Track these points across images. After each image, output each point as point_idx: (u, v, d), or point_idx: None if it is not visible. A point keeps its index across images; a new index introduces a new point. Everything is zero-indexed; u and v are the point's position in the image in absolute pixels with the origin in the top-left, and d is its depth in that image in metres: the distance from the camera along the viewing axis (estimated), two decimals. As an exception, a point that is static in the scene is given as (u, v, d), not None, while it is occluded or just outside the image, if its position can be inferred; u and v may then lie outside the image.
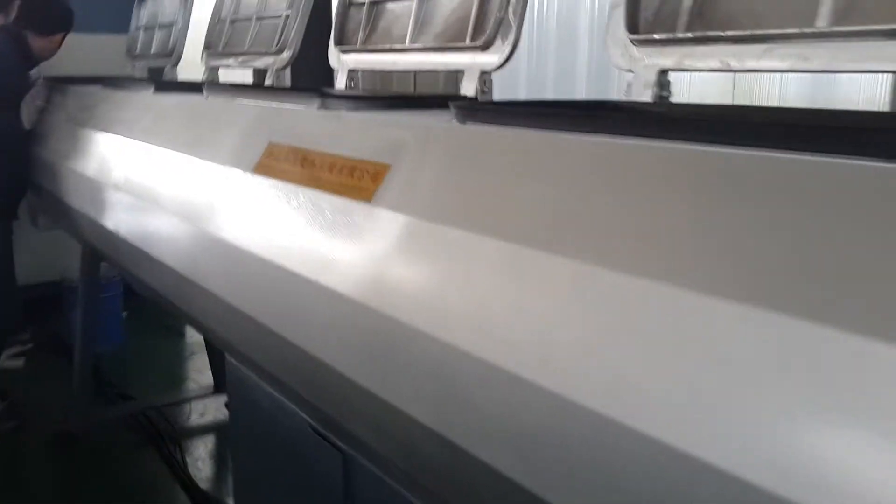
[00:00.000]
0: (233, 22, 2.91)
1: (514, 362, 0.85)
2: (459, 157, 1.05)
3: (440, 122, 1.16)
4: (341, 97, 1.53)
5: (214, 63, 2.94)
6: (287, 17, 2.51)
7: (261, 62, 2.61)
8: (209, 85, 2.04)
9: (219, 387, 3.68)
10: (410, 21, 1.91)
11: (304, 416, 1.60)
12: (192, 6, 3.32)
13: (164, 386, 4.03)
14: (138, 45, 3.81)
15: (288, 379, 1.53)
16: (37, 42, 3.19)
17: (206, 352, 3.77)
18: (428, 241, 1.00)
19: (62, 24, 3.26)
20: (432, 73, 4.00)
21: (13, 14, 3.71)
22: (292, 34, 2.47)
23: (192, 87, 2.28)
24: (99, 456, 3.31)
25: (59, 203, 2.95)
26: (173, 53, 3.37)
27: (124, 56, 3.91)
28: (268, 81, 2.53)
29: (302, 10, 2.45)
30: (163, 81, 2.73)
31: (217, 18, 3.00)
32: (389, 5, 2.09)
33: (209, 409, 3.66)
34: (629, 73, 1.34)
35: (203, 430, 3.57)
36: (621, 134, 0.94)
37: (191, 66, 3.69)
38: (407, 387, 1.00)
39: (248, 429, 1.86)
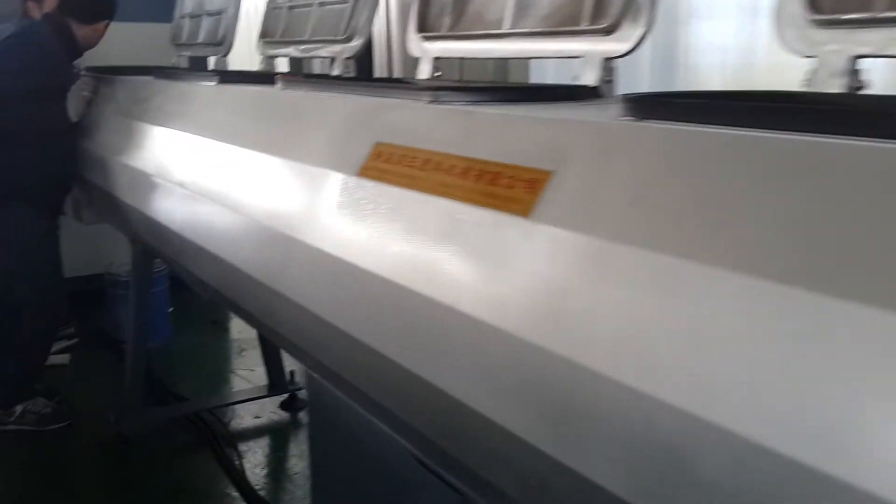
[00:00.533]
0: (291, 8, 2.74)
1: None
2: (651, 162, 0.86)
3: (609, 120, 0.98)
4: (456, 89, 1.36)
5: (272, 52, 2.78)
6: (356, 0, 2.33)
7: (326, 51, 2.44)
8: (284, 77, 1.87)
9: (274, 387, 3.55)
10: (510, 4, 1.73)
11: (406, 445, 1.44)
12: None
13: (216, 384, 3.92)
14: (184, 34, 3.65)
15: (390, 404, 1.37)
16: (80, 31, 3.07)
17: (259, 349, 3.64)
18: (615, 267, 0.83)
19: (105, 11, 3.14)
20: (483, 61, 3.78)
21: (54, 2, 3.58)
22: (363, 19, 2.29)
23: (261, 79, 2.12)
24: (152, 458, 3.20)
25: (109, 198, 2.81)
26: (223, 42, 3.21)
27: (167, 45, 3.75)
28: (335, 72, 2.36)
29: (373, -8, 2.28)
30: (227, 72, 2.57)
31: (273, 4, 2.83)
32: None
33: (264, 411, 3.54)
34: (812, 60, 1.14)
35: (259, 433, 3.45)
36: (836, 133, 0.76)
37: (238, 55, 3.54)
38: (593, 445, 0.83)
39: (334, 455, 1.71)
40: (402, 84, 1.67)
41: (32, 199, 3.03)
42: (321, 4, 2.53)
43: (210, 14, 3.37)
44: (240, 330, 4.44)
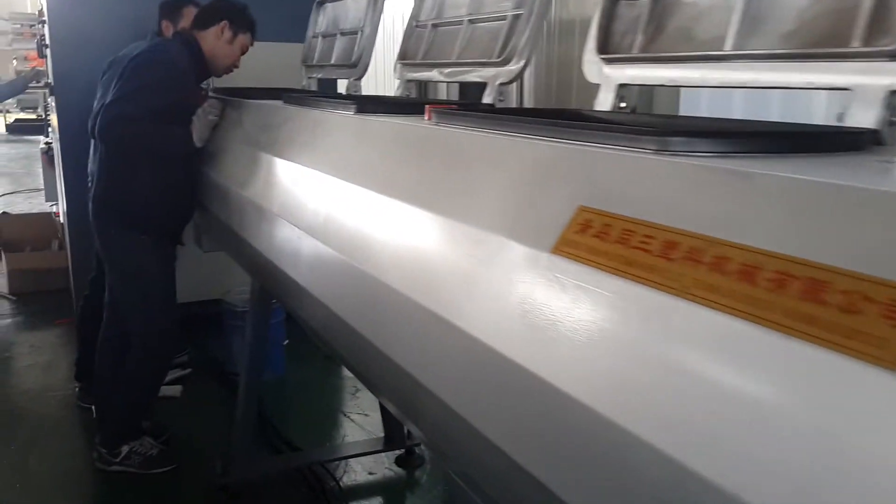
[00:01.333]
0: (436, 26, 2.43)
1: None
2: None
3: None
4: (692, 133, 0.96)
5: (413, 75, 2.47)
6: (516, 17, 1.99)
7: (476, 74, 2.10)
8: (436, 108, 1.53)
9: (390, 441, 3.23)
10: (734, 19, 1.32)
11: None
12: (381, 9, 2.88)
13: (327, 429, 3.64)
14: (315, 55, 3.43)
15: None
16: (205, 42, 2.86)
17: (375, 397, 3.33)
18: None
19: (224, 12, 2.92)
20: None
21: (182, 21, 3.42)
22: (524, 39, 1.94)
23: (405, 108, 1.80)
24: (259, 512, 2.94)
25: (227, 229, 2.58)
26: (358, 64, 2.94)
27: (296, 66, 3.54)
28: (487, 99, 2.02)
29: (537, 8, 1.91)
30: (366, 99, 2.29)
31: (415, 23, 2.54)
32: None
33: (379, 466, 3.22)
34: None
35: (372, 491, 3.14)
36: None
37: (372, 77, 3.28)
38: None
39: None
40: (602, 123, 1.29)
41: (151, 226, 2.85)
42: (472, 21, 2.22)
43: (344, 33, 3.12)
44: (355, 368, 4.18)
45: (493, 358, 1.00)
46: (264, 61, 3.76)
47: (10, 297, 5.31)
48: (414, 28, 2.53)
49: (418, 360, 1.26)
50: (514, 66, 1.95)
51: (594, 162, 1.01)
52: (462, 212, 1.20)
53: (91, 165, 3.47)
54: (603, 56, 1.66)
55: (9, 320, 4.95)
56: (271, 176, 2.14)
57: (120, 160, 2.80)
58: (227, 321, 3.98)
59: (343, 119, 1.88)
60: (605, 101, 1.63)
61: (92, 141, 3.42)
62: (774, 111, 3.63)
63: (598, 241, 0.89)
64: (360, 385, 3.98)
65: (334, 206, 1.66)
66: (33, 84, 6.91)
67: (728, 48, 1.35)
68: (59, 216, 6.03)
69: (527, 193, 1.07)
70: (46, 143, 7.69)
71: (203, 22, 2.87)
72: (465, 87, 3.94)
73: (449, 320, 1.13)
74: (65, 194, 4.22)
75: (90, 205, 2.92)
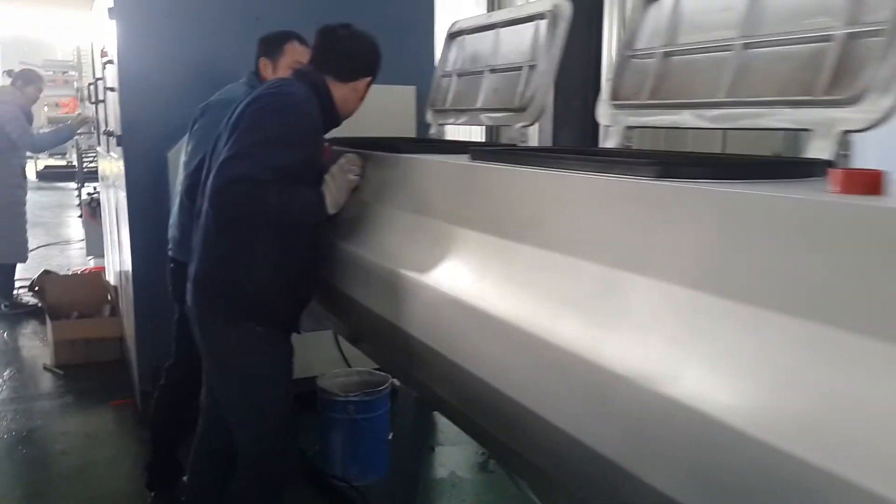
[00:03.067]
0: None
1: None
2: None
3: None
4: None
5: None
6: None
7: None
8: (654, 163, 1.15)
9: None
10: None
11: None
12: (563, 40, 2.26)
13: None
14: (448, 97, 2.83)
15: None
16: (338, 91, 2.28)
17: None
18: None
19: (368, 65, 2.34)
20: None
21: (283, 58, 2.88)
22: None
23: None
24: None
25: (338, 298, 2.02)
26: (528, 107, 2.34)
27: (400, 112, 2.97)
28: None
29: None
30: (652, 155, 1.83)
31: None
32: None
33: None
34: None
35: None
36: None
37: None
38: None
39: None
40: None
41: (267, 314, 2.24)
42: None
43: (497, 70, 2.52)
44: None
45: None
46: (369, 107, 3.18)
47: (57, 370, 4.70)
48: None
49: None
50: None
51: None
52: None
53: (172, 230, 2.90)
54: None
55: (57, 401, 4.28)
56: (466, 254, 1.61)
57: (233, 232, 2.19)
58: (325, 413, 3.31)
59: (625, 186, 1.27)
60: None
61: (177, 200, 2.85)
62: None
63: None
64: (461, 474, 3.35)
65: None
66: (81, 131, 6.40)
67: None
68: (103, 273, 5.45)
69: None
70: (89, 195, 7.18)
71: (342, 73, 2.29)
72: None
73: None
74: (131, 254, 3.63)
75: (190, 286, 2.31)
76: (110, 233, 4.89)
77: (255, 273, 2.19)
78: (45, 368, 4.75)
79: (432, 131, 2.88)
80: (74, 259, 7.85)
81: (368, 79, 2.34)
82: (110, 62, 3.66)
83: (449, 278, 1.66)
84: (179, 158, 2.90)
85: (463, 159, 1.83)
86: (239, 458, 2.30)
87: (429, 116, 2.92)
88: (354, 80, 2.30)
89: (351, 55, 2.30)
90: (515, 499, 2.86)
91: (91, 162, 8.27)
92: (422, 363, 1.84)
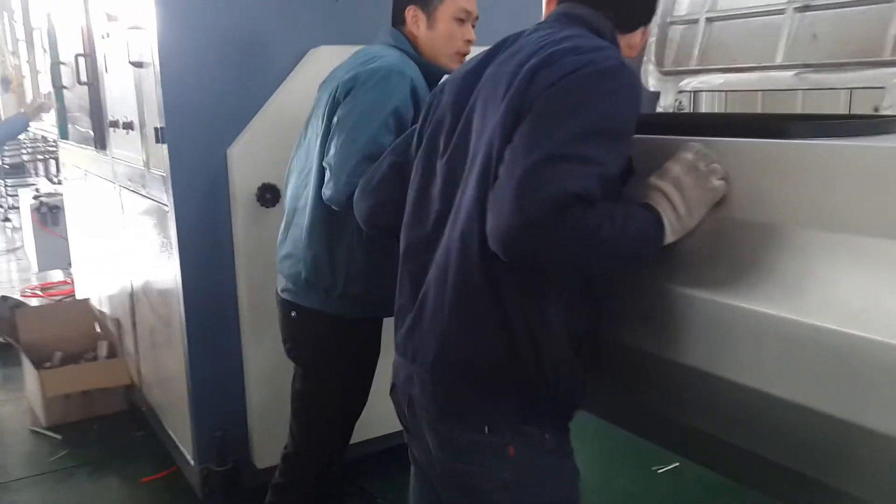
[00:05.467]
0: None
1: None
2: None
3: None
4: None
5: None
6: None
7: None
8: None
9: None
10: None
11: None
12: None
13: None
14: (693, 52, 1.96)
15: None
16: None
17: None
18: None
19: (648, 11, 1.52)
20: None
21: (446, 5, 2.05)
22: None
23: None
24: None
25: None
26: None
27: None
28: None
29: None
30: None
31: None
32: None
33: None
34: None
35: None
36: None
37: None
38: None
39: None
40: None
41: (568, 409, 1.40)
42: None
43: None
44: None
45: None
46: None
47: (52, 434, 3.64)
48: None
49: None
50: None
51: None
52: None
53: (288, 247, 2.03)
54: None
55: (67, 482, 3.28)
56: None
57: (516, 288, 1.32)
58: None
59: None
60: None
61: (304, 220, 1.98)
62: None
63: None
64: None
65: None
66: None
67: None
68: (89, 301, 4.38)
69: None
70: (36, 198, 6.08)
71: (625, 20, 1.46)
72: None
73: None
74: (182, 288, 2.64)
75: (423, 374, 1.40)
76: (94, 246, 3.91)
77: (555, 349, 1.33)
78: (34, 432, 3.69)
79: (665, 102, 2.03)
80: (22, 274, 6.64)
81: (645, 28, 1.53)
82: (136, 28, 2.63)
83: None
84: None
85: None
86: None
87: (652, 80, 2.06)
88: (633, 31, 1.47)
89: (637, 3, 1.47)
90: None
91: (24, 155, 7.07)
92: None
